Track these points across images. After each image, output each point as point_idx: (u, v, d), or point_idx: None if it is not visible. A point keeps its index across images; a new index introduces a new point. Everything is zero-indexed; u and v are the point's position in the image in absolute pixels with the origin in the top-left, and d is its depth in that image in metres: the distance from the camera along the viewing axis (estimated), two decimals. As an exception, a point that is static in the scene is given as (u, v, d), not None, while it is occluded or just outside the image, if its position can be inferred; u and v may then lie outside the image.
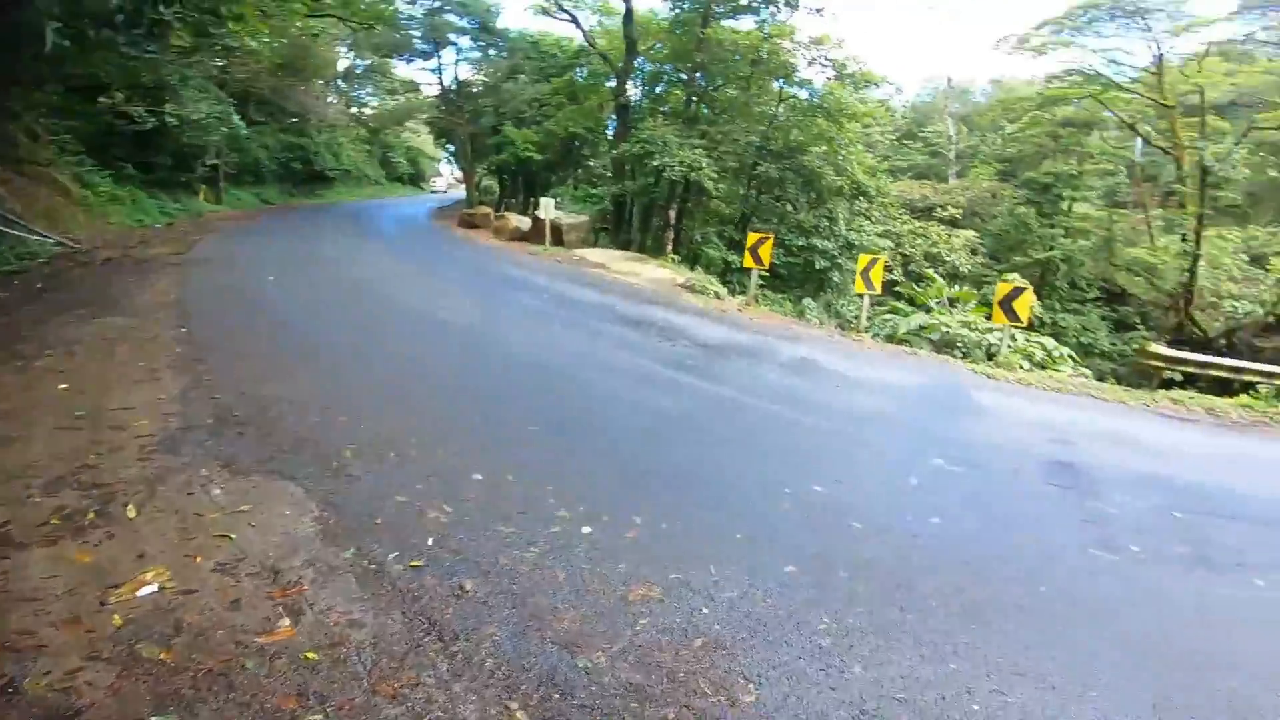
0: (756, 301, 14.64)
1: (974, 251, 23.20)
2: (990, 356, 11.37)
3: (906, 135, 39.62)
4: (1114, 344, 20.67)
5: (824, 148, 17.60)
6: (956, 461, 5.64)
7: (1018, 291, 9.84)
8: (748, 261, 12.03)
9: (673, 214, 18.61)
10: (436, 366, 6.96)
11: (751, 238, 12.04)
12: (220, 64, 23.30)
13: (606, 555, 3.70)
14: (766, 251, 11.86)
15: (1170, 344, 21.84)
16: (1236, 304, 20.38)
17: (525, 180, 29.44)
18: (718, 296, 13.56)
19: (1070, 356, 12.14)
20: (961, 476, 5.38)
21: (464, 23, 25.91)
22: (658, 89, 21.98)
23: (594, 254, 17.13)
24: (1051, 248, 23.93)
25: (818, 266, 17.11)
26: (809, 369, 8.41)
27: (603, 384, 6.73)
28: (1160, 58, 20.52)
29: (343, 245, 15.85)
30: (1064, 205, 25.26)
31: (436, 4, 25.00)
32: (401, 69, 31.90)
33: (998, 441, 6.50)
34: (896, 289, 17.80)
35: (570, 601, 3.27)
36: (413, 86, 31.28)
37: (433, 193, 46.48)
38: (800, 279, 17.80)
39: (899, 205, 24.23)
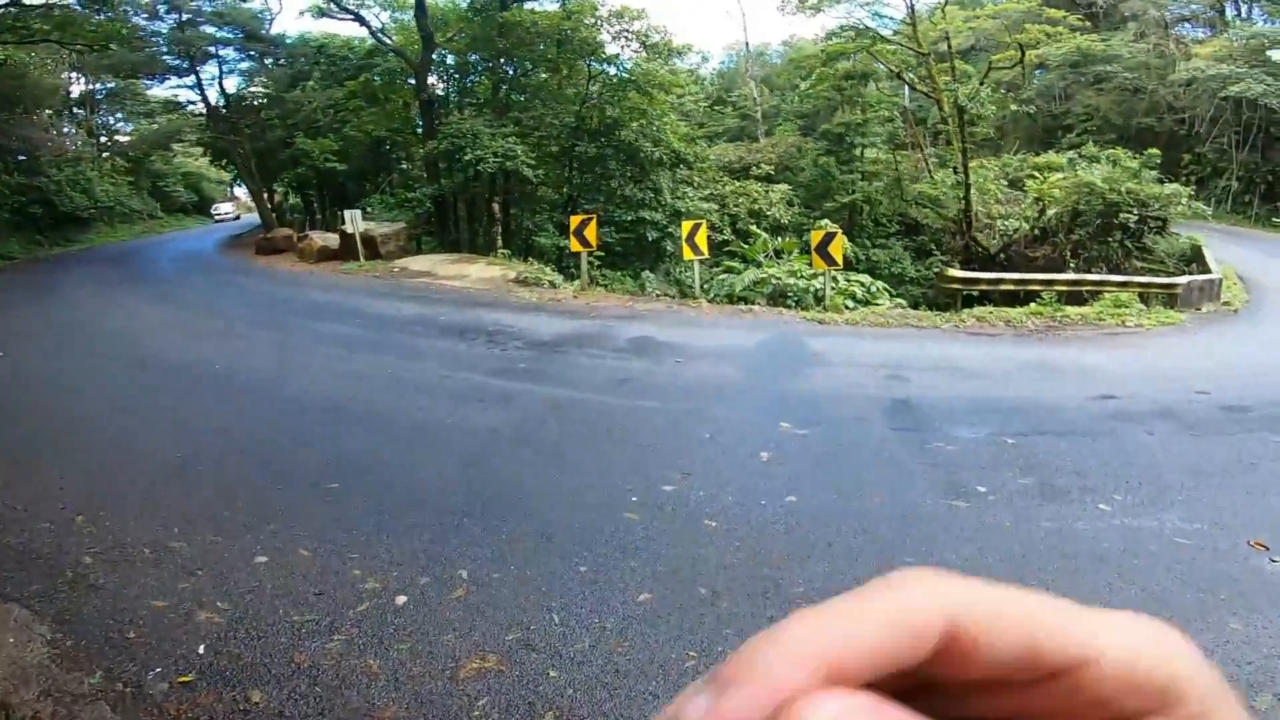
0: (594, 284, 14.16)
1: (790, 203, 24.34)
2: (818, 300, 11.78)
3: (717, 101, 41.04)
4: (919, 270, 22.72)
5: (639, 121, 17.35)
6: (804, 423, 5.48)
7: (830, 237, 10.15)
8: (575, 245, 11.46)
9: (497, 207, 17.50)
10: (210, 430, 5.65)
11: (574, 220, 11.46)
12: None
13: (429, 627, 3.08)
14: (592, 232, 11.35)
15: (962, 265, 24.75)
16: (1006, 223, 23.18)
17: (334, 194, 26.61)
18: (553, 286, 12.88)
19: (886, 289, 12.93)
20: (810, 440, 5.21)
21: (225, 33, 22.43)
22: (467, 80, 20.52)
23: (417, 262, 15.70)
24: (853, 192, 25.76)
25: (650, 238, 16.92)
26: (649, 348, 8.03)
27: (419, 413, 5.82)
28: (912, 8, 22.59)
29: (100, 298, 13.08)
30: (857, 152, 27.28)
31: (186, 17, 21.36)
32: (158, 89, 27.26)
33: (840, 390, 6.49)
34: (729, 249, 18.18)
35: (389, 695, 2.69)
36: (173, 106, 26.79)
37: (219, 221, 40.05)
38: (636, 253, 17.55)
39: (718, 169, 24.85)
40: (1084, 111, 34.88)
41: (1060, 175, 25.90)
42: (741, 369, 7.28)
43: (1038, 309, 10.59)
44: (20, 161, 25.87)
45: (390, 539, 3.81)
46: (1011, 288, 10.62)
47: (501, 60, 17.97)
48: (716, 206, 20.12)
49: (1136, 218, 20.84)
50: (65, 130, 31.55)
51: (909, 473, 4.72)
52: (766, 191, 23.80)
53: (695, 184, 19.43)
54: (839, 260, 10.21)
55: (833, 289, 10.78)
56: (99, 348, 8.93)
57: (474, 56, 19.37)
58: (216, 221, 40.17)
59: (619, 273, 16.64)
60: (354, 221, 16.53)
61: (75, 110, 31.65)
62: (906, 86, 28.18)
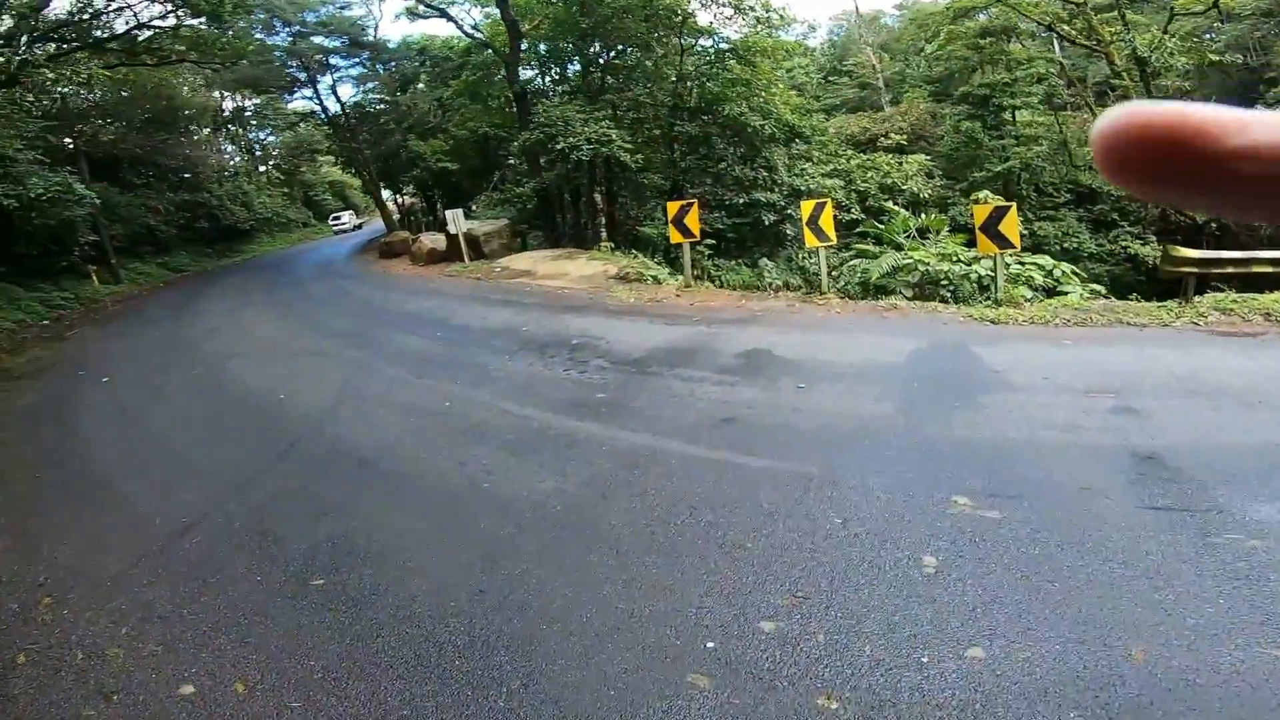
0: (703, 278, 12.47)
1: (929, 175, 21.03)
2: (983, 290, 9.31)
3: (831, 73, 37.48)
4: (1100, 244, 18.73)
5: (743, 94, 15.35)
6: (991, 495, 3.59)
7: (1001, 212, 7.77)
8: (675, 236, 9.86)
9: (600, 198, 16.25)
10: (228, 487, 4.72)
11: (672, 207, 9.83)
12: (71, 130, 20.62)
13: None
14: (694, 220, 9.70)
15: (1162, 237, 20.20)
16: None
17: (450, 193, 26.97)
18: (656, 282, 11.40)
19: (1075, 273, 10.10)
20: (1006, 530, 3.32)
21: (333, 43, 23.17)
22: (558, 68, 19.49)
23: (519, 260, 14.87)
24: (1007, 159, 21.90)
25: (767, 222, 14.91)
26: (762, 367, 6.29)
27: (457, 471, 4.51)
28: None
29: (227, 314, 13.43)
30: (1006, 115, 23.21)
31: (297, 28, 22.21)
32: (293, 102, 29.02)
33: (1042, 435, 4.42)
34: (860, 229, 15.70)
35: None
36: (306, 117, 28.40)
37: (337, 232, 37.45)
38: (753, 239, 15.61)
39: (839, 142, 22.06)
40: (1290, 61, 27.89)
41: None
42: (889, 398, 5.34)
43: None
44: (184, 179, 28.30)
45: (346, 683, 2.51)
46: (1268, 269, 7.61)
47: (588, 42, 16.60)
48: (842, 183, 17.61)
49: None
50: (223, 148, 34.44)
51: (1194, 594, 2.72)
52: (900, 163, 20.68)
53: (815, 159, 17.02)
54: (1015, 241, 7.80)
55: (1004, 278, 8.35)
56: (193, 372, 8.65)
57: (562, 43, 18.21)
58: (335, 233, 37.72)
59: (734, 262, 14.81)
60: (455, 221, 16.03)
61: (229, 127, 34.42)
62: (1058, 41, 23.61)
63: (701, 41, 15.60)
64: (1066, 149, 21.44)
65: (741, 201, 14.85)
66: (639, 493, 3.89)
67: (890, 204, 14.75)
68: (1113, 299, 8.44)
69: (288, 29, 21.95)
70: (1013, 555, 3.18)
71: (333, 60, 24.11)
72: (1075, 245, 18.53)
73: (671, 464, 4.22)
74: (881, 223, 13.79)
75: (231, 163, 33.47)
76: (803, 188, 15.32)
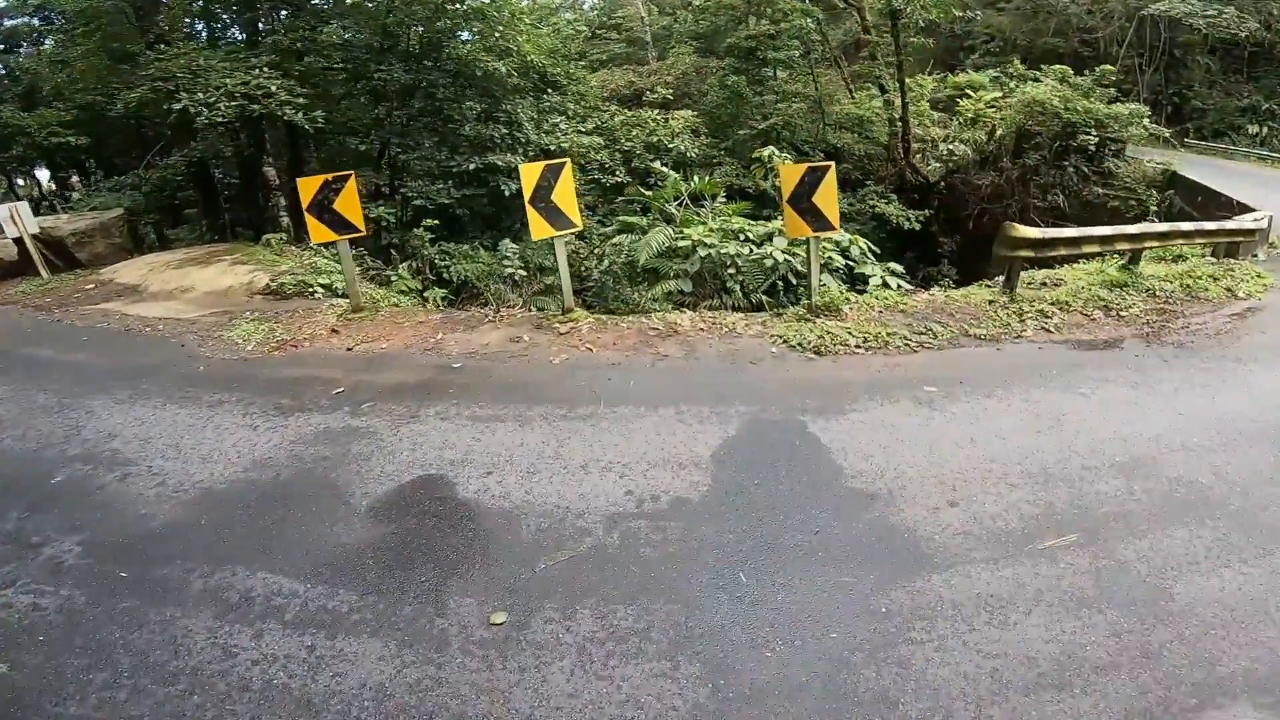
0: (392, 286, 8.53)
1: (695, 133, 18.84)
2: (791, 290, 6.85)
3: (600, 27, 34.17)
4: (850, 204, 18.07)
5: (478, 31, 11.27)
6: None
7: (817, 176, 5.13)
8: (318, 234, 5.76)
9: (274, 173, 11.06)
10: None
11: (305, 188, 5.66)
12: None
13: None
14: (350, 203, 5.79)
15: (899, 195, 20.52)
16: (949, 147, 18.82)
17: (89, 174, 18.74)
18: (329, 293, 7.23)
19: (869, 248, 8.05)
20: None
21: None
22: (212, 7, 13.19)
23: (131, 269, 9.33)
24: (769, 116, 20.64)
25: (508, 192, 11.16)
26: (413, 556, 2.78)
27: None
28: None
29: None
30: (769, 70, 22.01)
31: None
32: None
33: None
34: (628, 196, 12.77)
35: None
36: None
37: None
38: (494, 214, 11.81)
39: (602, 95, 18.90)
40: (985, 32, 31.08)
41: (995, 95, 21.83)
42: (691, 661, 2.15)
43: (1111, 276, 6.13)
44: None
45: None
46: (1097, 249, 6.04)
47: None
48: (603, 141, 14.40)
49: (1096, 140, 17.04)
50: None
51: None
52: (666, 119, 18.21)
53: (570, 113, 13.54)
54: (834, 219, 5.20)
55: (819, 271, 5.78)
56: None
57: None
58: None
59: (468, 247, 10.90)
60: (17, 219, 9.72)
61: None
62: (814, -1, 22.97)
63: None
64: (820, 107, 20.69)
65: (473, 167, 10.87)
66: None
67: (657, 165, 11.85)
68: (940, 293, 6.35)
69: None
70: None
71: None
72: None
73: None
74: (649, 187, 10.93)
75: None
76: (554, 147, 11.81)
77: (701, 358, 4.93)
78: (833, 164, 5.29)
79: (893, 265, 7.89)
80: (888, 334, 5.05)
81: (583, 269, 10.83)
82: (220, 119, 9.36)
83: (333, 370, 5.17)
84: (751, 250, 7.37)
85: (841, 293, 6.18)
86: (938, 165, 19.50)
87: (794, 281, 7.29)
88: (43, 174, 23.76)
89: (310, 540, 3.03)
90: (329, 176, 5.94)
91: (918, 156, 19.87)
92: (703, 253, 7.34)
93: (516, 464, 3.54)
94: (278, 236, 10.12)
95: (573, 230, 5.83)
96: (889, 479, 3.19)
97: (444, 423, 4.14)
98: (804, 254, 6.31)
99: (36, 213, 11.45)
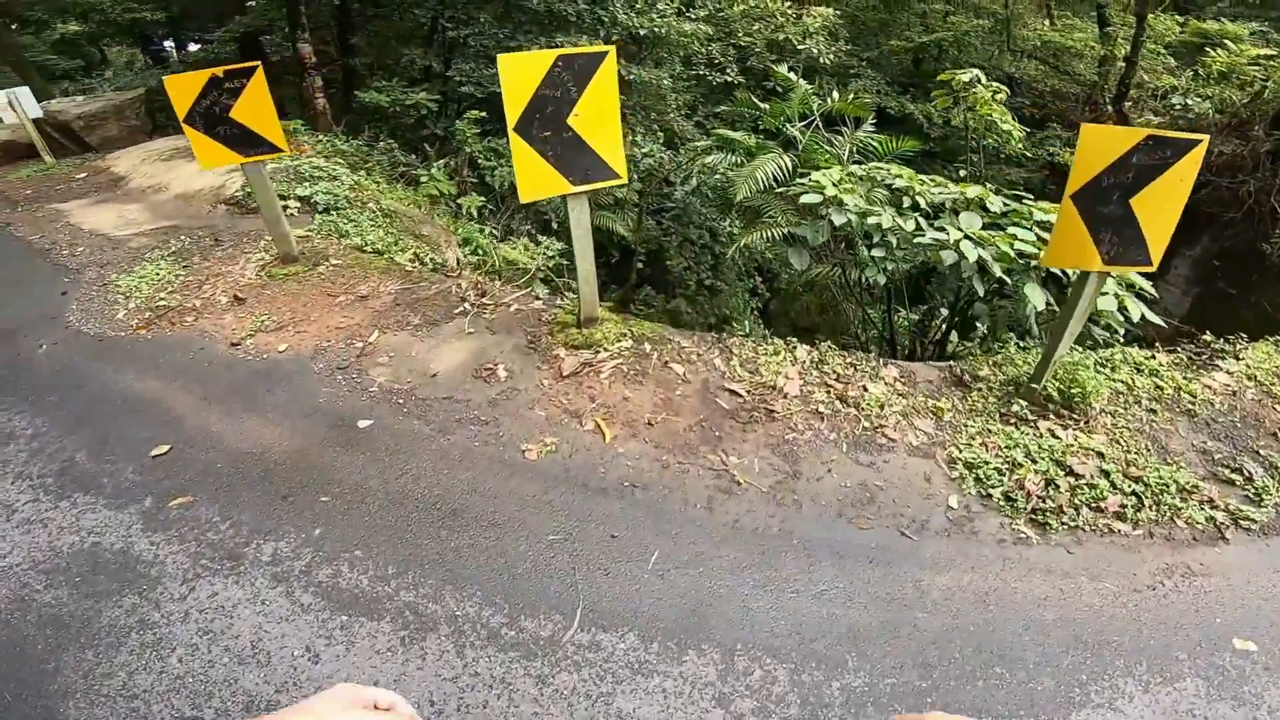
0: (312, 249, 6.16)
1: (833, 35, 14.57)
2: (968, 306, 4.03)
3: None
4: (1025, 148, 13.77)
5: None
6: None
7: (1161, 156, 2.02)
8: (207, 158, 4.23)
9: (309, 50, 8.51)
10: None
11: (181, 89, 3.21)
12: None
13: None
14: (259, 112, 3.33)
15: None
16: (1182, 100, 13.72)
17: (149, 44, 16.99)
18: (306, 208, 5.06)
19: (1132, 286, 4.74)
20: None
21: None
22: None
23: (129, 158, 7.53)
24: (930, 30, 15.92)
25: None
26: None
27: None
28: None
29: None
30: (949, -31, 16.88)
31: None
32: None
33: None
34: (733, 103, 9.50)
35: None
36: None
37: None
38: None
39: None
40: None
41: (1261, 52, 15.75)
42: None
43: None
44: None
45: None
46: None
47: None
48: (713, 32, 10.83)
49: None
50: None
51: None
52: (798, 15, 14.07)
53: (676, -10, 10.04)
54: (1156, 248, 2.23)
55: (1074, 331, 2.86)
56: None
57: None
58: None
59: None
60: (16, 105, 8.02)
61: None
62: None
63: None
64: (1005, 27, 15.76)
65: (534, 50, 7.96)
66: None
67: (782, 70, 8.37)
68: (1221, 368, 3.27)
69: None
70: None
71: None
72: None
73: None
74: (767, 95, 7.84)
75: None
76: (645, 31, 8.60)
77: (805, 496, 2.32)
78: (1204, 139, 2.19)
79: (1136, 277, 4.60)
80: (1165, 479, 2.22)
81: (663, 184, 8.07)
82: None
83: (186, 389, 3.21)
84: (917, 227, 4.31)
85: (1087, 364, 3.19)
86: (1157, 120, 14.53)
87: (980, 292, 4.25)
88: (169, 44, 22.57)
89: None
90: (217, 71, 3.45)
91: (1128, 104, 14.91)
92: (836, 217, 4.34)
93: None
94: (294, 123, 7.85)
95: (611, 183, 3.09)
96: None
97: (272, 596, 2.08)
98: (1022, 267, 3.36)
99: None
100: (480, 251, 7.02)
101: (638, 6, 9.08)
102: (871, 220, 4.04)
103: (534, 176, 2.85)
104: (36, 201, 6.67)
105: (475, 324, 3.54)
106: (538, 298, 3.81)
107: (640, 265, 8.10)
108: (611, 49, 2.87)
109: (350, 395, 3.19)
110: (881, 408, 2.92)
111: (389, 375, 3.28)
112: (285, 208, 5.39)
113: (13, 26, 14.91)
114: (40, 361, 3.68)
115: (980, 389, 3.08)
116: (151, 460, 2.82)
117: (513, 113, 2.75)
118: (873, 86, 15.00)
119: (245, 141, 3.70)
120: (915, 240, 3.94)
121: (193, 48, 19.28)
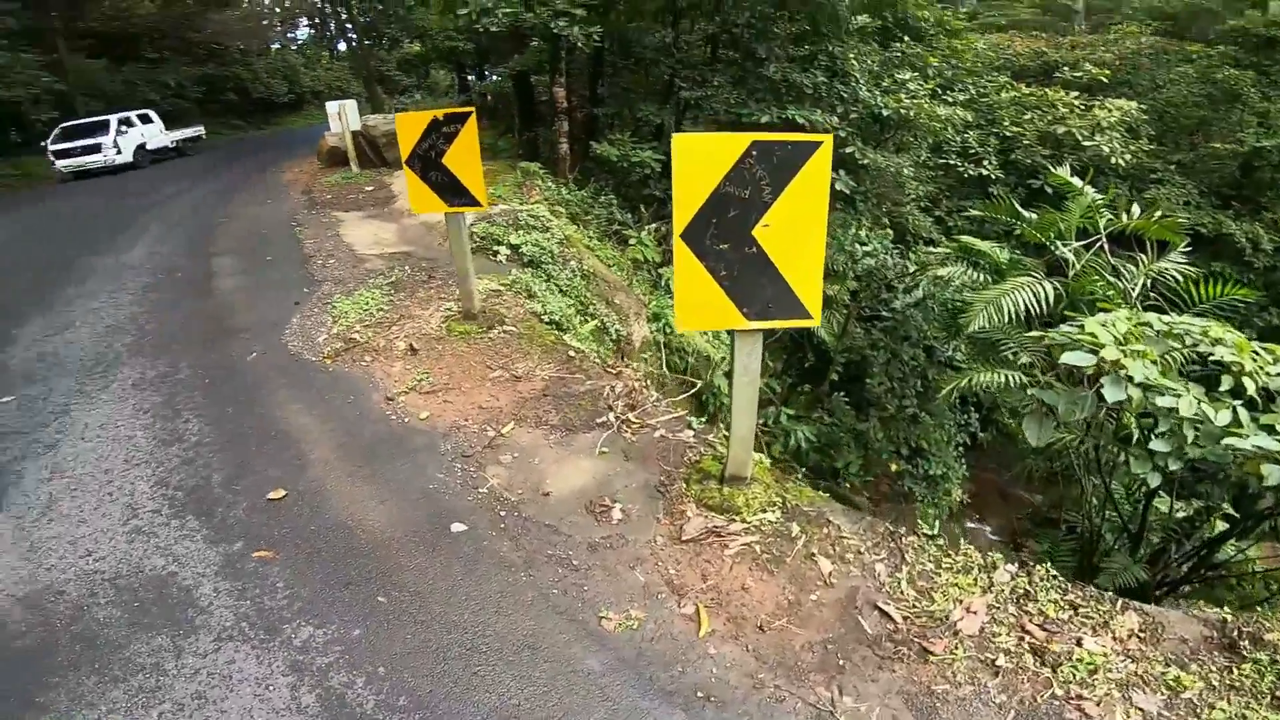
0: (494, 312, 6.05)
1: (1133, 131, 11.96)
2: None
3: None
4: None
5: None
6: None
7: None
8: (419, 203, 4.84)
9: (562, 93, 9.27)
10: None
11: (408, 128, 3.40)
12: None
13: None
14: (467, 162, 3.62)
15: None
16: None
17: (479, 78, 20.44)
18: (515, 257, 5.26)
19: None
20: None
21: None
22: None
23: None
24: (1274, 129, 12.45)
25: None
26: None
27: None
28: None
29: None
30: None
31: None
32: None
33: None
34: (986, 200, 7.90)
35: None
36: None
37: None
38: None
39: (992, 64, 13.24)
40: None
41: None
42: None
43: None
44: (212, 51, 24.69)
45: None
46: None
47: None
48: (972, 116, 9.38)
49: None
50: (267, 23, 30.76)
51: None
52: (1089, 106, 11.84)
53: (932, 74, 8.94)
54: None
55: None
56: None
57: None
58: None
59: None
60: (342, 115, 9.98)
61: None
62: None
63: None
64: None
65: (765, 120, 7.47)
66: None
67: (1063, 173, 6.65)
68: None
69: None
70: None
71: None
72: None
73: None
74: (1031, 199, 6.33)
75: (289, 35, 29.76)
76: (890, 112, 7.66)
77: None
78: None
79: None
80: None
81: (882, 289, 6.85)
82: (495, 27, 7.79)
83: (328, 436, 3.27)
84: (1234, 421, 2.55)
85: None
86: None
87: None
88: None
89: None
90: (438, 114, 3.49)
91: None
92: (1111, 392, 2.72)
93: None
94: (534, 166, 8.51)
95: (800, 323, 2.25)
96: None
97: (279, 684, 2.01)
98: None
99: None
100: (667, 330, 6.57)
101: (884, 84, 8.18)
102: (1163, 401, 2.53)
103: (698, 299, 2.19)
104: (328, 207, 7.98)
105: (612, 444, 3.01)
106: (690, 427, 3.08)
107: (835, 377, 6.95)
108: (828, 138, 2.11)
109: (459, 491, 2.76)
110: (1093, 672, 1.86)
111: (503, 480, 2.80)
112: (495, 253, 5.53)
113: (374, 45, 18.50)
114: (244, 369, 3.95)
115: (1260, 659, 1.87)
116: (265, 503, 2.76)
117: (682, 214, 2.12)
118: (1180, 196, 12.02)
119: (452, 190, 3.66)
120: (1228, 442, 2.35)
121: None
